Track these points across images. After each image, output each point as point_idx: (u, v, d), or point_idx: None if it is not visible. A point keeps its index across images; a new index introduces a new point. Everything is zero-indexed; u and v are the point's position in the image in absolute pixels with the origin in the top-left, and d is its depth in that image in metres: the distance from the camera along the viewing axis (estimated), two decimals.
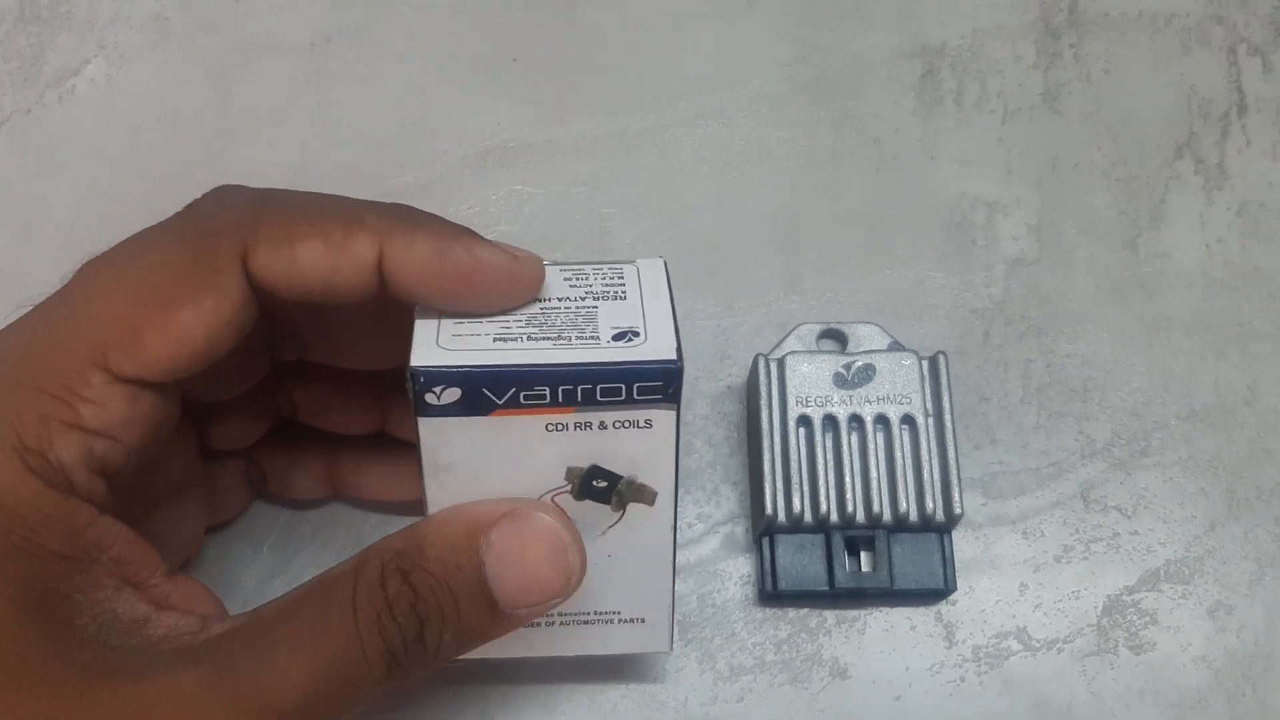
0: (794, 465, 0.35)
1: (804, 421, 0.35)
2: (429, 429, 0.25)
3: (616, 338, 0.25)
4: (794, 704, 0.35)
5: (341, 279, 0.25)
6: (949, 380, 0.36)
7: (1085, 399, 0.39)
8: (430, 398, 0.24)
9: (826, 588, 0.34)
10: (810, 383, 0.36)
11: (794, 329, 0.38)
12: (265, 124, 0.43)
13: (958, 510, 0.34)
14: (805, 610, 0.36)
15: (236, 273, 0.24)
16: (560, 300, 0.26)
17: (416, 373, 0.24)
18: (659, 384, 0.24)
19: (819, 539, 0.35)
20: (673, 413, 0.25)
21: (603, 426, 0.25)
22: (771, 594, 0.35)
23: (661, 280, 0.27)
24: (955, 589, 0.35)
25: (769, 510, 0.34)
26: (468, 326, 0.25)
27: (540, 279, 0.26)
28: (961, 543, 0.36)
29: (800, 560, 0.35)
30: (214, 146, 0.42)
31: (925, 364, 0.36)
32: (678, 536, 0.28)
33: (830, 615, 0.36)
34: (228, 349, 0.25)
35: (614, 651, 0.30)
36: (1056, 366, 0.39)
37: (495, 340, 0.25)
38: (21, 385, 0.24)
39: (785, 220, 0.42)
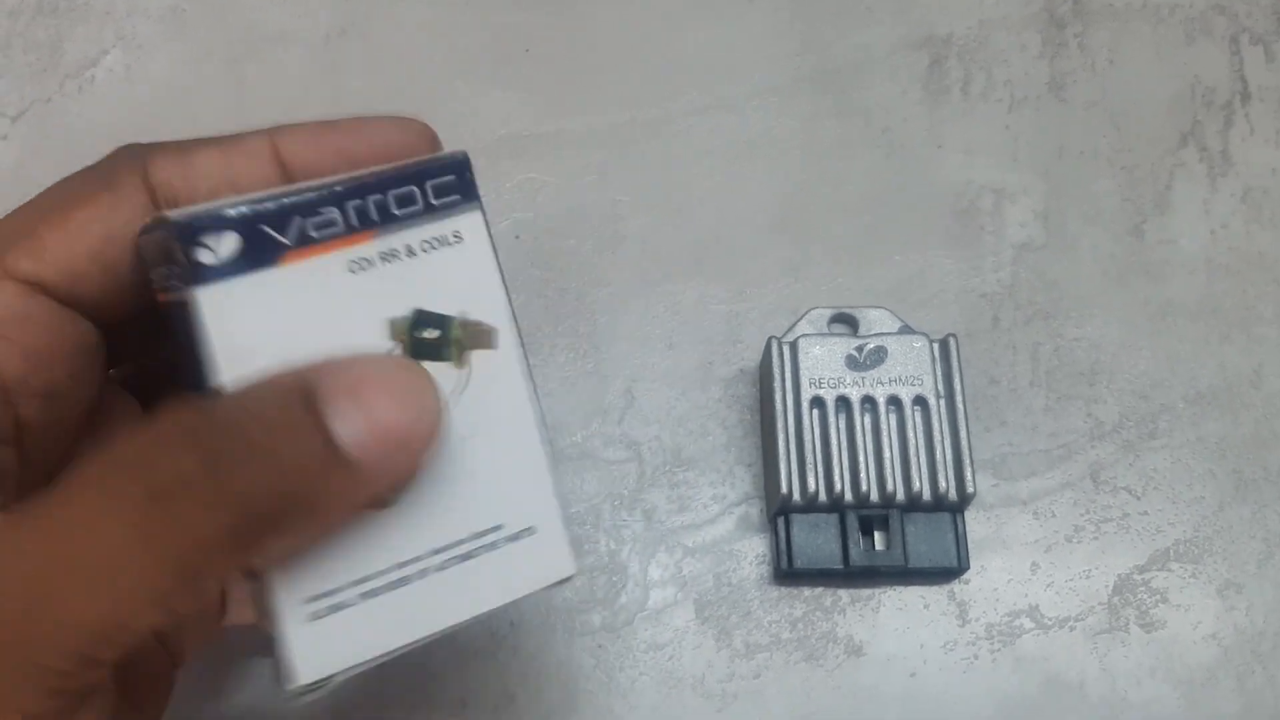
0: (808, 445, 0.35)
1: (817, 403, 0.36)
2: (213, 302, 0.20)
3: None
4: (810, 681, 0.35)
5: (240, 173, 0.23)
6: (960, 362, 0.36)
7: (1093, 382, 0.39)
8: (204, 254, 0.20)
9: (841, 566, 0.35)
10: (823, 365, 0.36)
11: (805, 313, 0.39)
12: (279, 114, 0.43)
13: (970, 489, 0.35)
14: (820, 589, 0.36)
15: (135, 180, 0.23)
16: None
17: (177, 224, 0.20)
18: (451, 178, 0.22)
19: (833, 518, 0.35)
20: (479, 214, 0.22)
21: (410, 254, 0.22)
22: (787, 572, 0.35)
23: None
24: (968, 568, 0.35)
25: (784, 489, 0.35)
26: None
27: (431, 136, 0.25)
28: (973, 523, 0.37)
29: (815, 539, 0.35)
30: None
31: (936, 346, 0.37)
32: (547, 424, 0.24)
33: (845, 594, 0.36)
34: (127, 255, 0.23)
35: (516, 594, 0.23)
36: (1064, 350, 0.40)
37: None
38: None
39: (794, 208, 0.42)
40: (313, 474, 0.19)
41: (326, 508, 0.20)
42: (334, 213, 0.20)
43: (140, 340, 0.27)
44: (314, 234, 0.20)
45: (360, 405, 0.19)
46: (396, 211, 0.21)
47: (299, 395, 0.19)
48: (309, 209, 0.20)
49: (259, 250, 0.20)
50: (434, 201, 0.21)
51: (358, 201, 0.20)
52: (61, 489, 0.20)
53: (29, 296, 0.22)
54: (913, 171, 0.43)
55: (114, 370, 0.27)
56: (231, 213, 0.20)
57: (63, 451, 0.25)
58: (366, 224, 0.21)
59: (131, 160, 0.23)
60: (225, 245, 0.19)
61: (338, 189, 0.21)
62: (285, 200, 0.20)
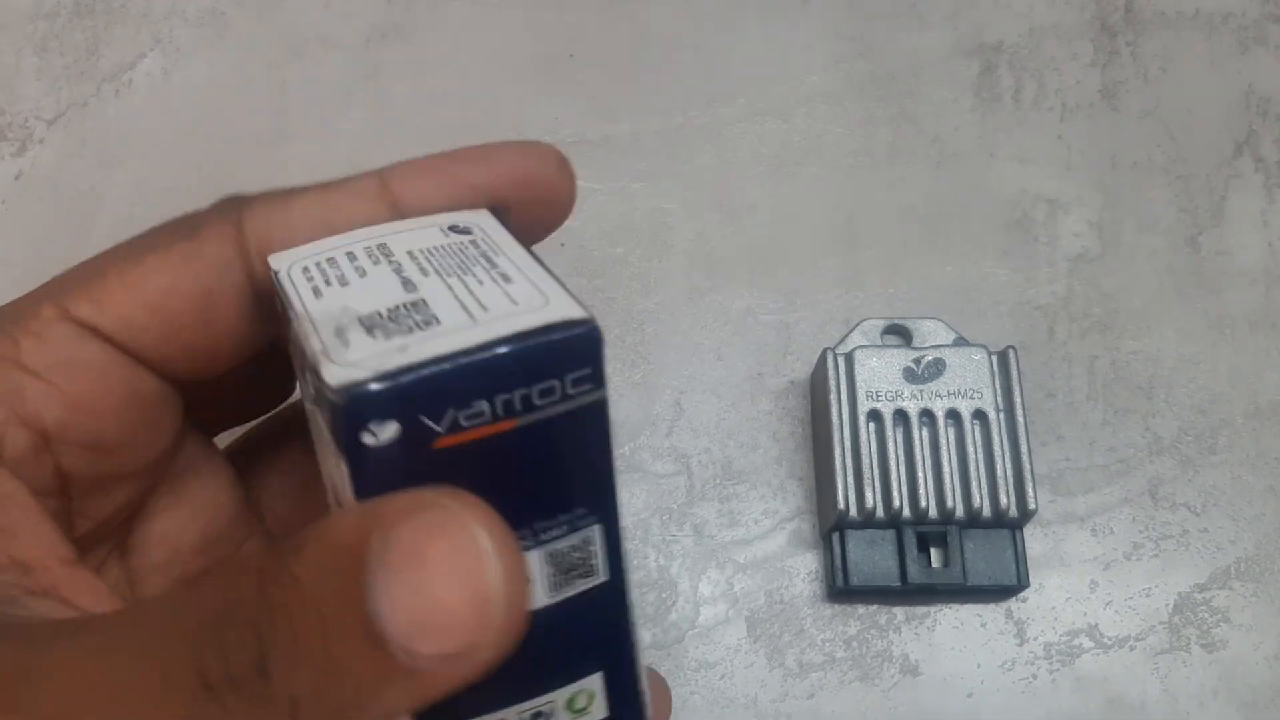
0: (865, 460, 0.34)
1: (874, 416, 0.35)
2: (366, 473, 0.19)
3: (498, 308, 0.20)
4: (865, 701, 0.34)
5: (344, 213, 0.22)
6: (1020, 375, 0.35)
7: (1151, 395, 0.39)
8: (368, 438, 0.18)
9: (899, 584, 0.34)
10: (880, 377, 0.35)
11: (858, 324, 0.38)
12: (320, 120, 0.43)
13: (1032, 505, 0.34)
14: (874, 606, 0.36)
15: (223, 231, 0.22)
16: (411, 265, 0.21)
17: (348, 401, 0.18)
18: (588, 370, 0.20)
19: (890, 534, 0.35)
20: (604, 397, 0.21)
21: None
22: (842, 590, 0.35)
23: (500, 229, 0.22)
24: (1028, 585, 0.35)
25: (840, 505, 0.34)
26: (333, 296, 0.20)
27: (558, 157, 0.24)
28: (1030, 540, 0.36)
29: (872, 556, 0.34)
30: (269, 142, 0.42)
31: (995, 359, 0.36)
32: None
33: (900, 612, 0.36)
34: (198, 309, 0.22)
35: None
36: (1121, 363, 0.39)
37: (377, 329, 0.19)
38: None
39: (845, 217, 0.41)
40: (365, 683, 0.15)
41: (387, 715, 0.16)
42: (484, 405, 0.20)
43: (232, 400, 0.26)
44: (464, 423, 0.20)
45: (414, 585, 0.15)
46: (537, 402, 0.20)
47: (351, 561, 0.15)
48: (463, 402, 0.19)
49: (416, 435, 0.19)
50: (570, 391, 0.21)
51: (506, 396, 0.20)
52: (101, 642, 0.17)
53: (82, 341, 0.21)
54: (965, 181, 0.42)
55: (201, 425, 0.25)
56: (397, 390, 0.18)
57: (127, 505, 0.23)
58: (510, 413, 0.20)
59: (226, 209, 0.22)
60: (386, 431, 0.19)
61: (489, 379, 0.19)
62: (440, 377, 0.19)
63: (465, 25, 0.44)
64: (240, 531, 0.26)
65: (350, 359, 0.19)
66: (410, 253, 0.21)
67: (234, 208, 0.22)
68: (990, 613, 0.36)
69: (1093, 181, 0.42)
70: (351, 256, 0.21)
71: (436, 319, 0.20)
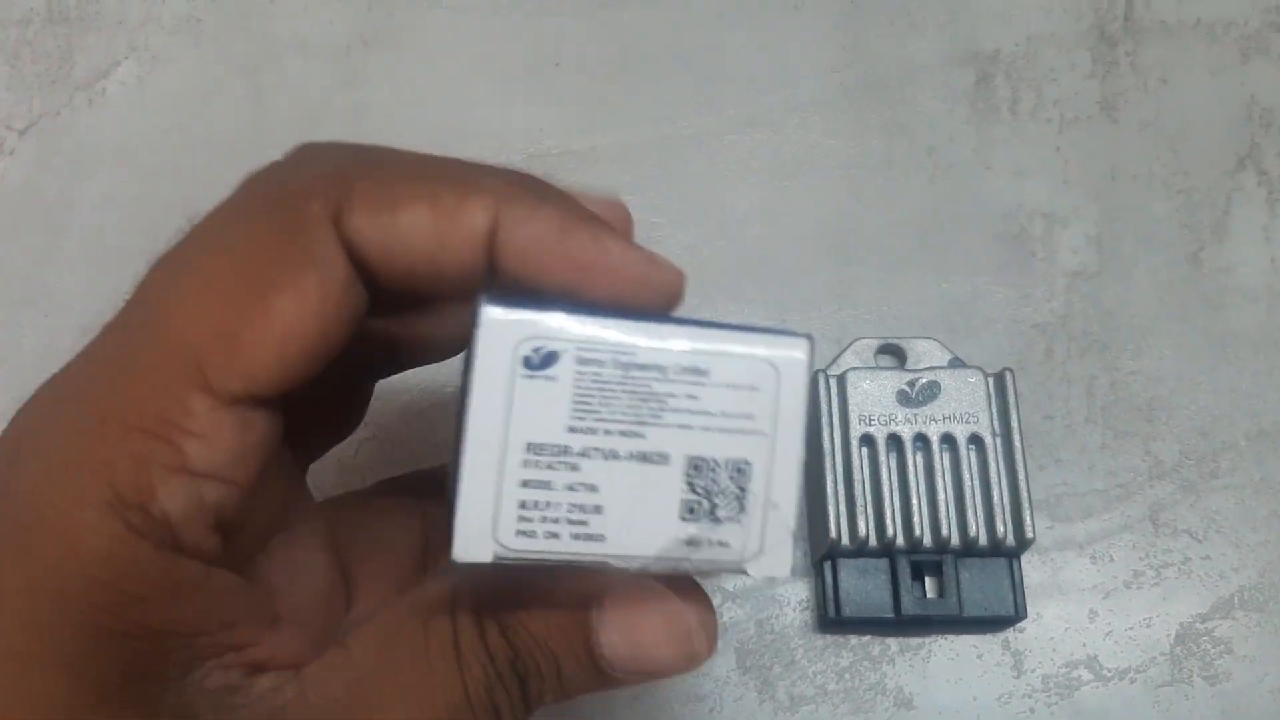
0: (858, 486, 0.33)
1: (867, 441, 0.34)
2: None
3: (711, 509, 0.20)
4: None
5: (450, 253, 0.20)
6: (1017, 398, 0.34)
7: (1151, 418, 0.38)
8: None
9: (892, 614, 0.33)
10: (873, 400, 0.34)
11: (850, 344, 0.37)
12: (298, 128, 0.41)
13: (1030, 534, 0.33)
14: (868, 637, 0.34)
15: (334, 241, 0.20)
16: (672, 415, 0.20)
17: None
18: None
19: (883, 564, 0.33)
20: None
21: None
22: (834, 620, 0.34)
23: (799, 407, 0.20)
24: (1025, 616, 0.33)
25: (832, 533, 0.33)
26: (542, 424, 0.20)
27: (678, 295, 0.21)
28: (1028, 568, 0.35)
29: (864, 586, 0.33)
30: (246, 150, 0.41)
31: (991, 381, 0.35)
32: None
33: (894, 643, 0.34)
34: (342, 340, 0.20)
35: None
36: (1121, 384, 0.38)
37: (579, 483, 0.20)
38: (107, 424, 0.19)
39: (837, 230, 0.40)
40: (580, 689, 0.22)
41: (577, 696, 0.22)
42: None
43: (323, 416, 0.26)
44: None
45: (635, 648, 0.21)
46: None
47: (580, 634, 0.21)
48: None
49: None
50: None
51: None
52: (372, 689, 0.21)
53: (246, 426, 0.20)
54: (960, 193, 0.41)
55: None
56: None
57: (257, 544, 0.23)
58: None
59: (325, 208, 0.20)
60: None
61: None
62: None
63: (447, 32, 0.43)
64: (337, 593, 0.26)
65: None
66: (685, 425, 0.20)
67: (330, 197, 0.20)
68: (987, 644, 0.35)
69: (1091, 195, 0.41)
70: (613, 393, 0.20)
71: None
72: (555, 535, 0.19)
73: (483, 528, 0.19)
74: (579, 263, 0.20)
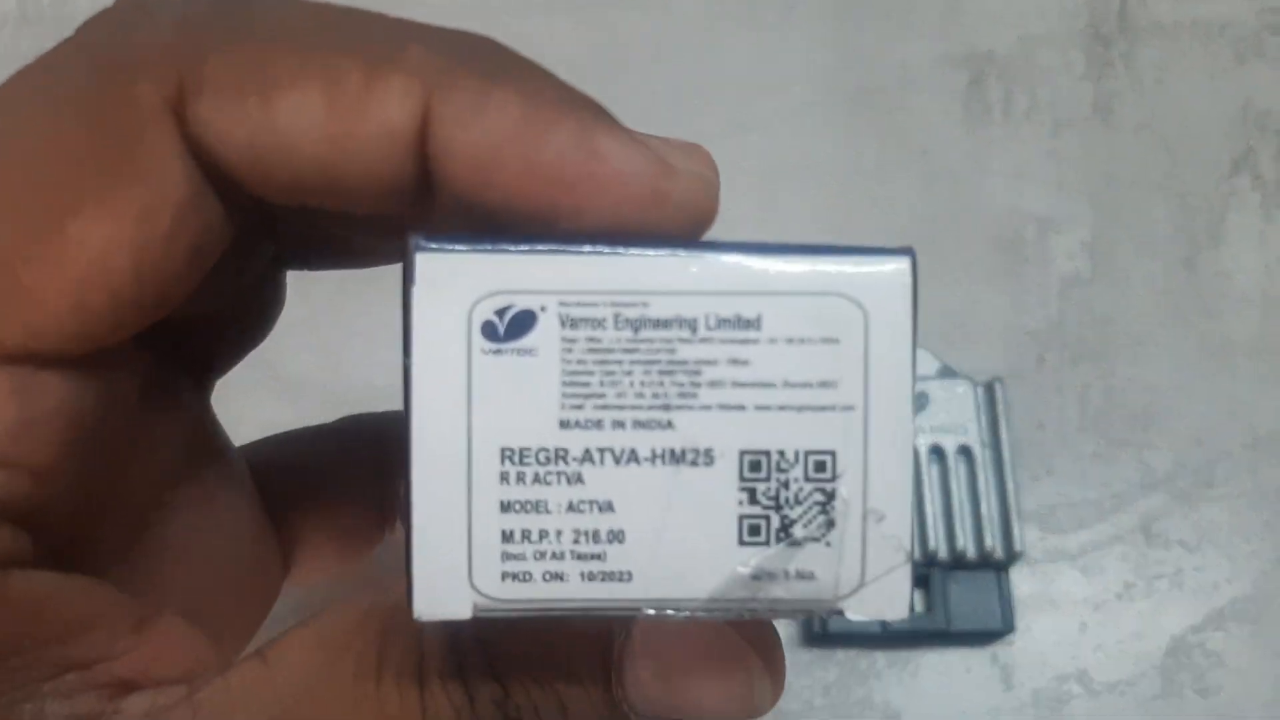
0: None
1: None
2: None
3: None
4: None
5: (354, 164, 0.14)
6: (1006, 409, 0.34)
7: (1145, 426, 0.37)
8: None
9: (879, 629, 0.33)
10: None
11: None
12: None
13: (1018, 547, 0.32)
14: (854, 651, 0.34)
15: (170, 141, 0.14)
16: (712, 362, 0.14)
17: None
18: None
19: None
20: None
21: None
22: (820, 634, 0.33)
23: (902, 361, 0.14)
24: (1014, 629, 0.33)
25: None
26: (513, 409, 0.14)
27: (708, 212, 0.15)
28: (1018, 579, 0.35)
29: None
30: None
31: (980, 391, 0.34)
32: None
33: (881, 657, 0.34)
34: (187, 274, 0.15)
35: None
36: (1115, 392, 0.38)
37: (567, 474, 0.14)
38: None
39: (828, 235, 0.40)
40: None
41: None
42: None
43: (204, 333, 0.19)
44: None
45: (672, 692, 0.15)
46: None
47: (598, 666, 0.15)
48: None
49: None
50: None
51: None
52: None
53: (32, 392, 0.15)
54: (953, 198, 0.40)
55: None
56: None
57: (128, 518, 0.18)
58: None
59: (160, 89, 0.14)
60: None
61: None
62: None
63: None
64: (265, 560, 0.21)
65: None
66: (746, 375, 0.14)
67: (167, 71, 0.14)
68: (975, 657, 0.34)
69: (1085, 199, 0.40)
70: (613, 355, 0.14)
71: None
72: (559, 576, 0.14)
73: (453, 573, 0.14)
74: (557, 175, 0.14)
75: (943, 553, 0.33)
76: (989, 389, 0.34)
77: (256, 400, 0.35)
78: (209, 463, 0.19)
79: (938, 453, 0.33)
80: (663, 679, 0.15)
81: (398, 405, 0.14)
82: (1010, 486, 0.33)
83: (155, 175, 0.14)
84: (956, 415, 0.34)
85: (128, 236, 0.14)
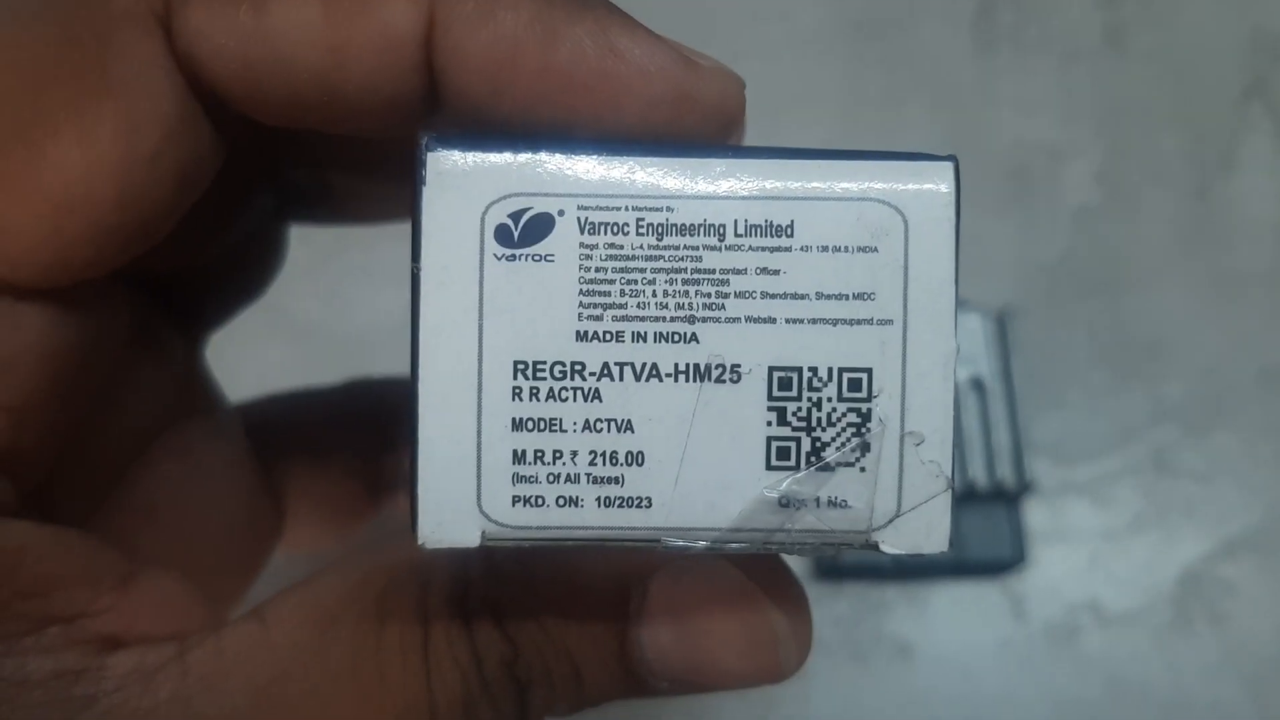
0: None
1: None
2: None
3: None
4: (856, 683, 0.33)
5: (355, 75, 0.13)
6: (1017, 340, 0.33)
7: (1156, 358, 0.37)
8: None
9: (890, 561, 0.32)
10: None
11: None
12: None
13: (1029, 479, 0.32)
14: (865, 584, 0.34)
15: (155, 54, 0.13)
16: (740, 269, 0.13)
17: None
18: None
19: None
20: None
21: None
22: (830, 569, 0.33)
23: (945, 273, 0.13)
24: (1025, 561, 0.33)
25: None
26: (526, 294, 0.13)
27: (736, 116, 0.14)
28: (1028, 511, 0.34)
29: None
30: None
31: (991, 323, 0.34)
32: None
33: (892, 590, 0.34)
34: (176, 199, 0.14)
35: None
36: (1125, 323, 0.37)
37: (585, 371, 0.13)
38: None
39: None
40: (605, 698, 0.15)
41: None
42: None
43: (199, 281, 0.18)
44: None
45: (692, 653, 0.15)
46: None
47: (613, 628, 0.15)
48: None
49: None
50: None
51: None
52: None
53: (8, 328, 0.14)
54: (961, 129, 0.40)
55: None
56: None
57: (110, 467, 0.17)
58: None
59: (138, 1, 0.13)
60: None
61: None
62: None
63: None
64: (257, 518, 0.20)
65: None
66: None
67: None
68: (986, 589, 0.34)
69: (1095, 129, 0.40)
70: (638, 273, 0.13)
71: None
72: (574, 501, 0.13)
73: (461, 496, 0.13)
74: (574, 77, 0.13)
75: (955, 484, 0.32)
76: (1000, 321, 0.34)
77: (262, 343, 0.34)
78: (197, 417, 0.18)
79: None
80: (682, 639, 0.15)
81: (405, 349, 0.13)
82: (1021, 418, 0.33)
83: (138, 91, 0.13)
84: (967, 347, 0.33)
85: (109, 158, 0.13)
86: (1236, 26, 0.41)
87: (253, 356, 0.33)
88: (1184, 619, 0.34)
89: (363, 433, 0.21)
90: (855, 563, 0.33)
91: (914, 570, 0.33)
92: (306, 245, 0.35)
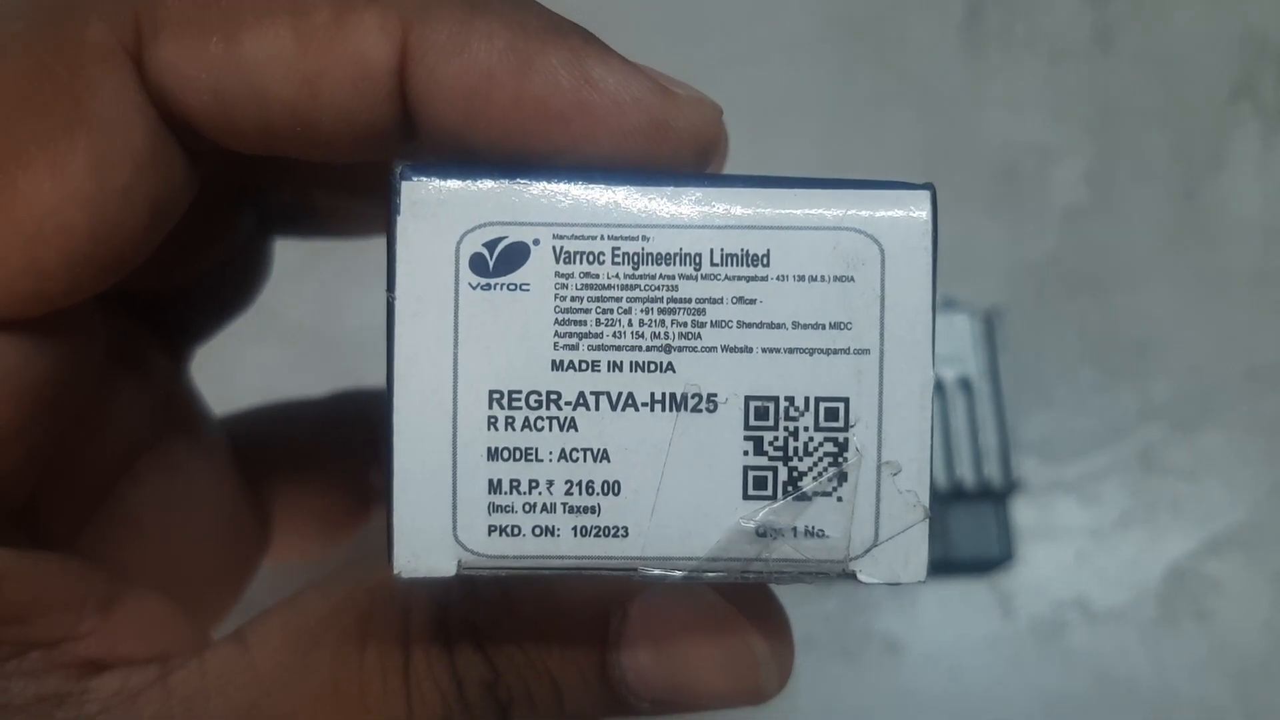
0: None
1: None
2: None
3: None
4: (844, 680, 0.33)
5: (329, 105, 0.13)
6: (1004, 339, 0.34)
7: (1144, 356, 0.37)
8: None
9: None
10: None
11: None
12: None
13: (1016, 476, 0.32)
14: (854, 582, 0.34)
15: (126, 87, 0.13)
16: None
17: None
18: None
19: None
20: None
21: None
22: None
23: (921, 302, 0.13)
24: (1012, 558, 0.33)
25: None
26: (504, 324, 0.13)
27: (713, 145, 0.14)
28: (1016, 509, 0.35)
29: None
30: None
31: (979, 322, 0.34)
32: None
33: (880, 586, 0.34)
34: (151, 229, 0.14)
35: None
36: (1113, 322, 0.37)
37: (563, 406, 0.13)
38: None
39: (823, 170, 0.39)
40: (591, 716, 0.15)
41: None
42: None
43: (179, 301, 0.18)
44: None
45: (672, 673, 0.15)
46: None
47: (593, 649, 0.15)
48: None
49: None
50: None
51: None
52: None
53: None
54: (950, 129, 0.40)
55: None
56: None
57: (98, 494, 0.17)
58: None
59: (112, 32, 0.13)
60: None
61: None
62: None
63: None
64: (242, 535, 0.20)
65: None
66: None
67: (126, 12, 0.13)
68: (974, 586, 0.34)
69: (1084, 129, 0.40)
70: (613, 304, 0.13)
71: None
72: (550, 531, 0.13)
73: (436, 526, 0.13)
74: (549, 107, 0.13)
75: (941, 483, 0.33)
76: (988, 320, 0.34)
77: (255, 346, 0.35)
78: (182, 433, 0.18)
79: (937, 384, 0.33)
80: (662, 660, 0.15)
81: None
82: (1009, 417, 0.33)
83: (110, 124, 0.13)
84: (955, 347, 0.34)
85: (82, 190, 0.13)
86: (1225, 27, 0.42)
87: (245, 360, 0.33)
88: (1170, 616, 0.34)
89: (350, 443, 0.21)
90: None
91: None
92: (299, 249, 0.35)
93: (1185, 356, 0.37)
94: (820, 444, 0.13)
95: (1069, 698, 0.33)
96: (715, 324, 0.13)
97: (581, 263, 0.13)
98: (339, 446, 0.21)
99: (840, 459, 0.13)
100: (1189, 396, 0.37)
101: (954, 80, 0.40)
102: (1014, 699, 0.33)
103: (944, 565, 0.33)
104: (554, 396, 0.13)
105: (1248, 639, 0.34)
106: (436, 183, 0.13)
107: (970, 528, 0.33)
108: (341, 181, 0.18)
